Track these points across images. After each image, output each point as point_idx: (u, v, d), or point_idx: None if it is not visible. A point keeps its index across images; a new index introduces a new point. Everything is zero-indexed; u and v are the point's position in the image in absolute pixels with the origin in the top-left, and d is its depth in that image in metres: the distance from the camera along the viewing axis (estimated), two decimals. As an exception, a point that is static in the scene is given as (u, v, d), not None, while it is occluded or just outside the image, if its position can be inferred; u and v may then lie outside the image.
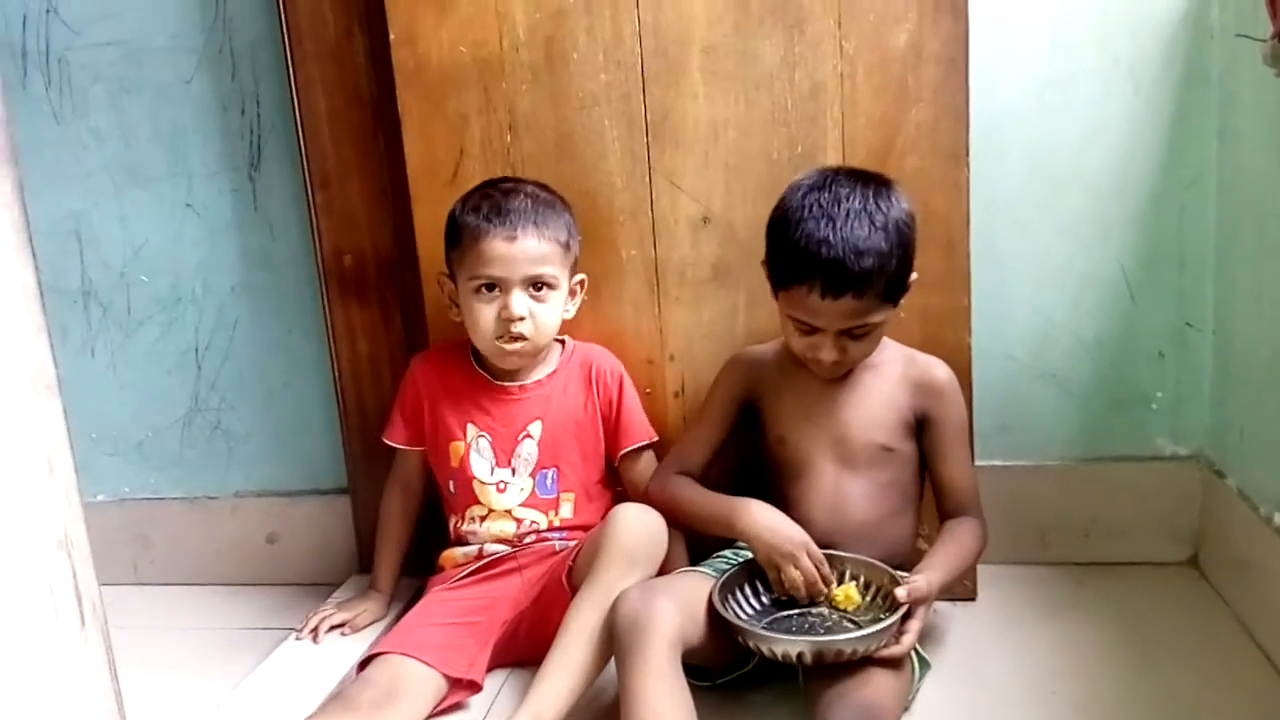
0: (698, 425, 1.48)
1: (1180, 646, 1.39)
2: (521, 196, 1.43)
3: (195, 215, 1.77)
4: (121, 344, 1.83)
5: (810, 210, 1.27)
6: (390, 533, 1.58)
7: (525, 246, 1.40)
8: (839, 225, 1.25)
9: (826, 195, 1.27)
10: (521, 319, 1.42)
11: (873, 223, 1.25)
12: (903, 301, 1.33)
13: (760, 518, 1.31)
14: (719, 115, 1.48)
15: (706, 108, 1.48)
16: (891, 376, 1.39)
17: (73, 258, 1.81)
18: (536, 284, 1.43)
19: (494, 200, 1.42)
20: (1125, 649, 1.39)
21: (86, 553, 0.72)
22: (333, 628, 1.52)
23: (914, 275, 1.32)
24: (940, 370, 1.39)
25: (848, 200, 1.26)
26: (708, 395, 1.49)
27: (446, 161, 1.54)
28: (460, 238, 1.44)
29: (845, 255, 1.24)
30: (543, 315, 1.44)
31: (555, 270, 1.43)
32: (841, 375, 1.38)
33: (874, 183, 1.30)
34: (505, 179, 1.48)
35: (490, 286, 1.42)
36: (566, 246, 1.45)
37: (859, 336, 1.31)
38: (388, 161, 1.60)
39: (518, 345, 1.44)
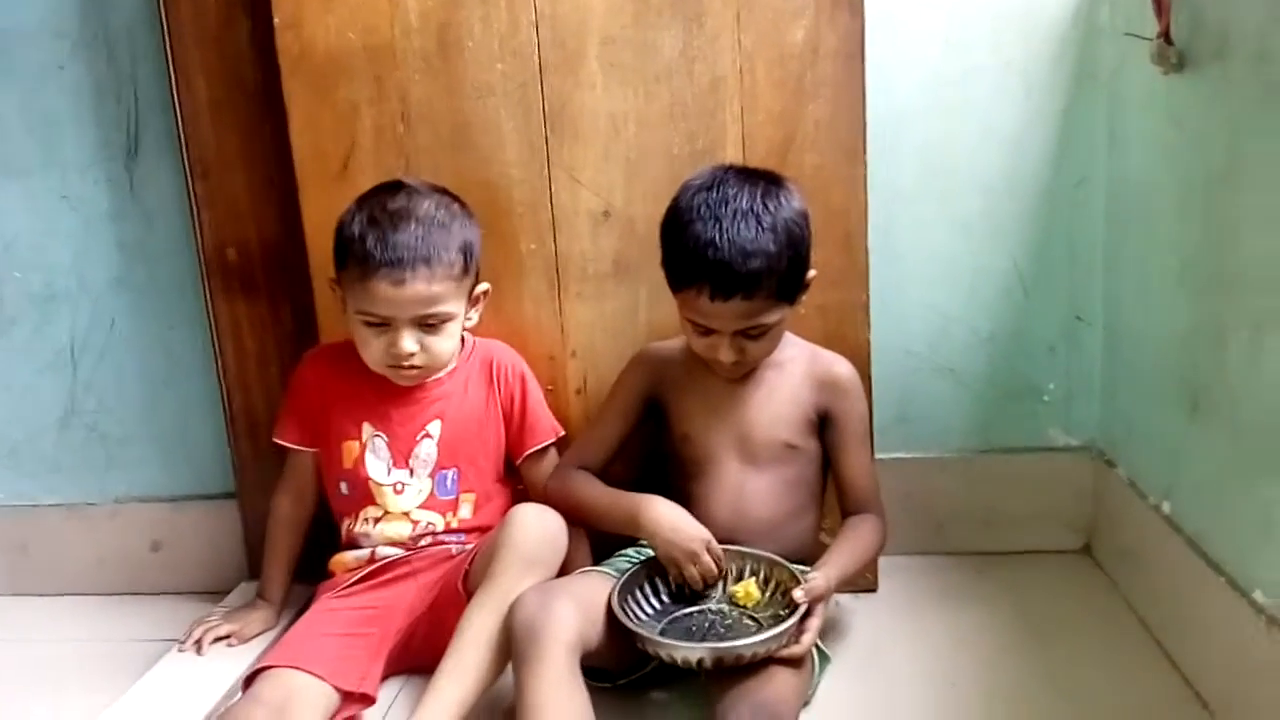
0: (600, 422, 1.46)
1: (1075, 632, 1.42)
2: (412, 224, 1.33)
3: (70, 208, 1.68)
4: (-9, 343, 1.74)
5: (698, 212, 1.26)
6: (279, 542, 1.52)
7: (414, 290, 1.33)
8: (725, 226, 1.24)
9: (715, 195, 1.26)
10: (411, 354, 1.37)
11: (760, 223, 1.25)
12: (802, 299, 1.33)
13: (663, 515, 1.30)
14: (618, 108, 1.46)
15: (605, 100, 1.46)
16: (796, 374, 1.39)
17: (-62, 254, 1.71)
18: (428, 321, 1.37)
19: (380, 229, 1.33)
20: (1023, 636, 1.42)
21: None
22: (218, 639, 1.46)
23: (812, 273, 1.32)
24: (842, 367, 1.39)
25: (735, 200, 1.25)
26: (611, 391, 1.46)
27: (336, 153, 1.49)
28: (346, 263, 1.36)
29: (732, 257, 1.23)
30: (437, 345, 1.39)
31: (449, 306, 1.37)
32: (745, 374, 1.37)
33: (764, 181, 1.29)
34: (397, 187, 1.39)
35: (379, 322, 1.36)
36: (464, 272, 1.38)
37: (755, 336, 1.30)
38: (274, 152, 1.53)
39: (410, 373, 1.40)
